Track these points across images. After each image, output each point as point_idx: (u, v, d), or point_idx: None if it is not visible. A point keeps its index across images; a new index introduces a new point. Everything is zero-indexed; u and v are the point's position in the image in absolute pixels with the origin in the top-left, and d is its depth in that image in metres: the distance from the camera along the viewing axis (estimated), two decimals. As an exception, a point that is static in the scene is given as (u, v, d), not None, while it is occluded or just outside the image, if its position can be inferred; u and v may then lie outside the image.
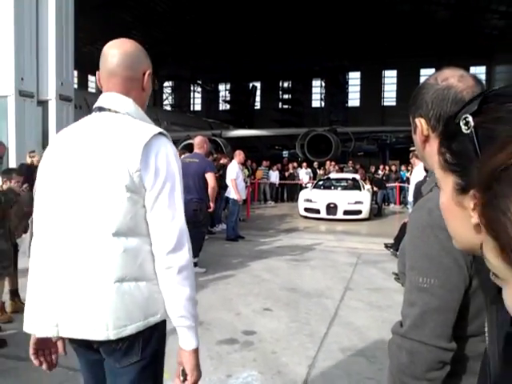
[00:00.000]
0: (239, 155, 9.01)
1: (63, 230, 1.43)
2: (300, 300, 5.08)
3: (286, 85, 38.69)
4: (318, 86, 38.30)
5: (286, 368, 3.38)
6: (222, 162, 10.71)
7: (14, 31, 8.72)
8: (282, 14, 25.37)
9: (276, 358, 3.52)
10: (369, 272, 6.46)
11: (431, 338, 1.01)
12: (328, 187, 13.48)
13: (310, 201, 12.19)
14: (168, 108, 39.34)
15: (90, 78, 37.42)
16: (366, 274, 6.36)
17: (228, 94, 40.28)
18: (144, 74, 1.54)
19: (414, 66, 32.97)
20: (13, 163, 7.20)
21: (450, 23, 25.89)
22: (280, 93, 38.50)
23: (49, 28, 9.18)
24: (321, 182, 14.15)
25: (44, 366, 1.55)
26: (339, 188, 13.37)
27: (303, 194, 12.90)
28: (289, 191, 17.84)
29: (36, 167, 5.58)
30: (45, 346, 1.55)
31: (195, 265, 6.48)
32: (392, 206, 16.07)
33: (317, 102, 38.35)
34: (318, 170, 18.25)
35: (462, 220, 0.64)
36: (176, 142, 20.48)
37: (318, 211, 11.87)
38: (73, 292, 1.40)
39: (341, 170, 17.49)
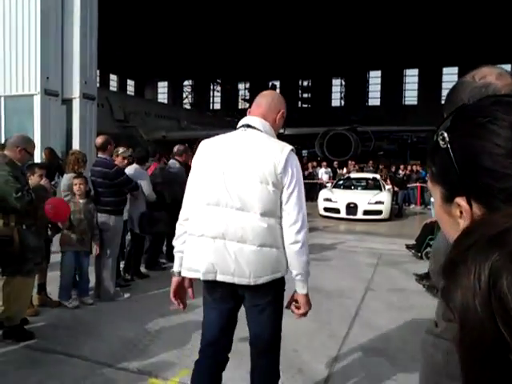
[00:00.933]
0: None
1: (226, 210, 2.08)
2: (321, 300, 5.05)
3: (305, 83, 38.51)
4: (337, 85, 38.05)
5: (307, 367, 3.38)
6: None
7: (40, 32, 8.90)
8: (302, 13, 25.26)
9: (297, 356, 3.53)
10: (390, 273, 6.41)
11: None
12: (348, 187, 13.37)
13: (330, 200, 12.13)
14: (188, 107, 39.63)
15: (112, 76, 37.94)
16: (387, 274, 6.31)
17: (247, 93, 40.33)
18: (279, 112, 2.27)
19: (437, 64, 32.45)
20: (38, 160, 7.37)
21: (472, 20, 25.39)
22: (300, 91, 38.34)
23: (74, 27, 9.35)
24: (341, 182, 14.04)
25: (180, 306, 2.29)
26: (359, 188, 13.26)
27: (323, 194, 12.83)
28: (308, 190, 17.69)
29: (50, 163, 5.61)
30: (180, 292, 2.28)
31: None
32: (413, 206, 15.86)
33: (337, 100, 38.12)
34: (337, 170, 18.13)
35: (453, 226, 0.67)
36: (195, 141, 20.62)
37: (337, 211, 11.81)
38: (229, 250, 2.07)
39: (361, 170, 17.34)
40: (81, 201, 4.62)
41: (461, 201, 0.64)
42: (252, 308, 2.23)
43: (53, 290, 4.73)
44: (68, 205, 4.40)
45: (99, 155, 5.00)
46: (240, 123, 2.25)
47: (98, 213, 4.78)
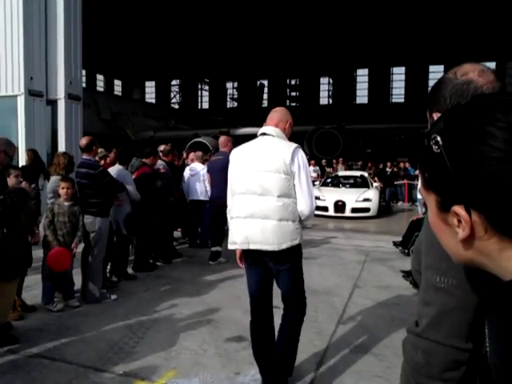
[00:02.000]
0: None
1: (251, 196, 2.82)
2: (308, 298, 5.02)
3: (293, 82, 38.53)
4: (325, 84, 38.13)
5: (294, 364, 3.37)
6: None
7: (23, 31, 8.79)
8: (290, 12, 25.28)
9: (284, 355, 3.51)
10: (377, 270, 6.44)
11: (448, 338, 0.99)
12: (336, 185, 13.42)
13: (318, 198, 12.12)
14: (175, 106, 39.44)
15: (98, 76, 37.58)
16: (375, 271, 6.35)
17: (235, 92, 40.25)
18: (287, 122, 3.02)
19: (423, 62, 32.69)
20: (23, 163, 7.27)
21: (458, 18, 25.60)
22: (288, 90, 38.36)
23: (57, 27, 9.24)
24: (329, 180, 14.10)
25: (241, 265, 3.03)
26: (347, 186, 13.30)
27: (311, 192, 12.83)
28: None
29: (32, 165, 5.48)
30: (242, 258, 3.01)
31: (219, 255, 6.62)
32: (400, 203, 15.97)
33: (324, 99, 38.20)
34: (326, 168, 18.18)
35: (450, 236, 0.64)
36: (184, 140, 20.52)
37: (326, 209, 11.84)
38: (257, 226, 2.79)
39: (348, 168, 17.41)
40: (66, 203, 4.56)
41: (459, 209, 0.60)
42: (279, 273, 2.89)
43: (38, 293, 4.67)
44: (69, 258, 4.38)
45: (84, 156, 4.94)
46: (259, 132, 2.99)
47: (83, 214, 4.73)
